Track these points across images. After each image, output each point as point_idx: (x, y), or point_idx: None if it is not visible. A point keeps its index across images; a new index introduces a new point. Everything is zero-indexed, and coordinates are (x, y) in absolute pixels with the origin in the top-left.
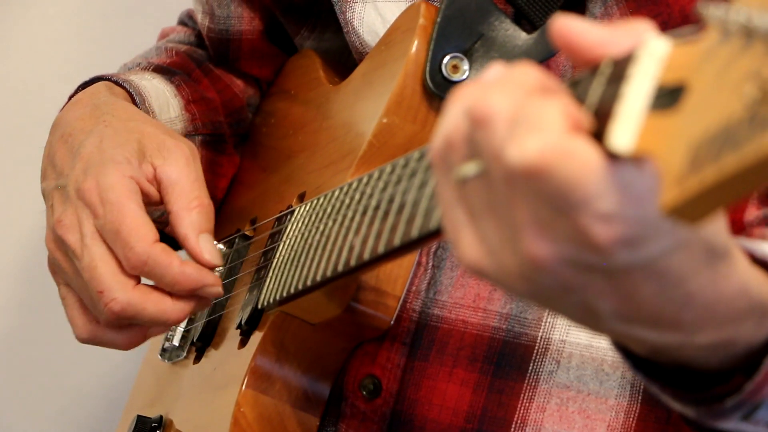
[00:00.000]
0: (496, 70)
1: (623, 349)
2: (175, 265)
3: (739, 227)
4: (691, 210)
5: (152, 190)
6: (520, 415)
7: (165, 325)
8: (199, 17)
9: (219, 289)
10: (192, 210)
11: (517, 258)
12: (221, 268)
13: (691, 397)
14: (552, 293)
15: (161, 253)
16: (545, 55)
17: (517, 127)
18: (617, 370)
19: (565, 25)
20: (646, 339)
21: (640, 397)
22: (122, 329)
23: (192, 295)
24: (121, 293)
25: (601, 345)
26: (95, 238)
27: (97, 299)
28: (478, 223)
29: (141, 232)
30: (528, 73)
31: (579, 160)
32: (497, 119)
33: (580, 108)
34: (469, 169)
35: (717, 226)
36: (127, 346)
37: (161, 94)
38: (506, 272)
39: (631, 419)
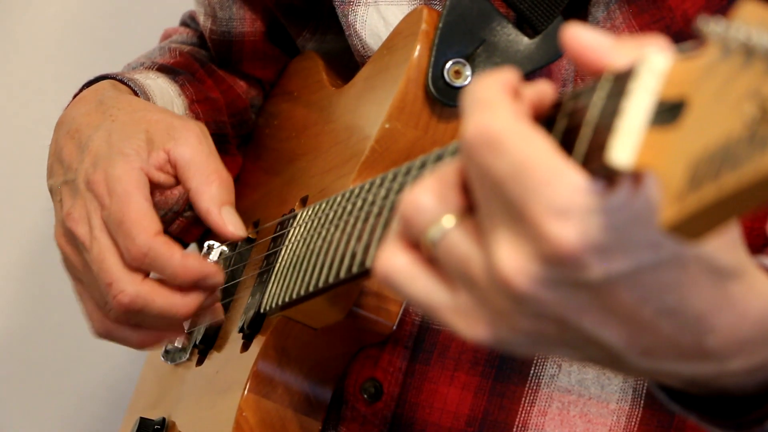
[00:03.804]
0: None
1: (658, 385)
2: (176, 257)
3: (760, 238)
4: (691, 227)
5: (164, 177)
6: (522, 419)
7: (173, 319)
8: (201, 19)
9: (220, 279)
10: (211, 184)
11: (498, 294)
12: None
13: (730, 423)
14: (550, 331)
15: (162, 245)
16: (547, 60)
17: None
18: (618, 375)
19: (576, 34)
20: (679, 372)
21: (642, 402)
22: (136, 327)
23: (195, 287)
24: (130, 285)
25: None
26: (103, 230)
27: (105, 291)
28: (457, 291)
29: (143, 224)
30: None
31: (526, 138)
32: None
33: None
34: (437, 229)
35: (722, 244)
36: (140, 345)
37: (165, 93)
38: (500, 322)
39: (633, 423)
